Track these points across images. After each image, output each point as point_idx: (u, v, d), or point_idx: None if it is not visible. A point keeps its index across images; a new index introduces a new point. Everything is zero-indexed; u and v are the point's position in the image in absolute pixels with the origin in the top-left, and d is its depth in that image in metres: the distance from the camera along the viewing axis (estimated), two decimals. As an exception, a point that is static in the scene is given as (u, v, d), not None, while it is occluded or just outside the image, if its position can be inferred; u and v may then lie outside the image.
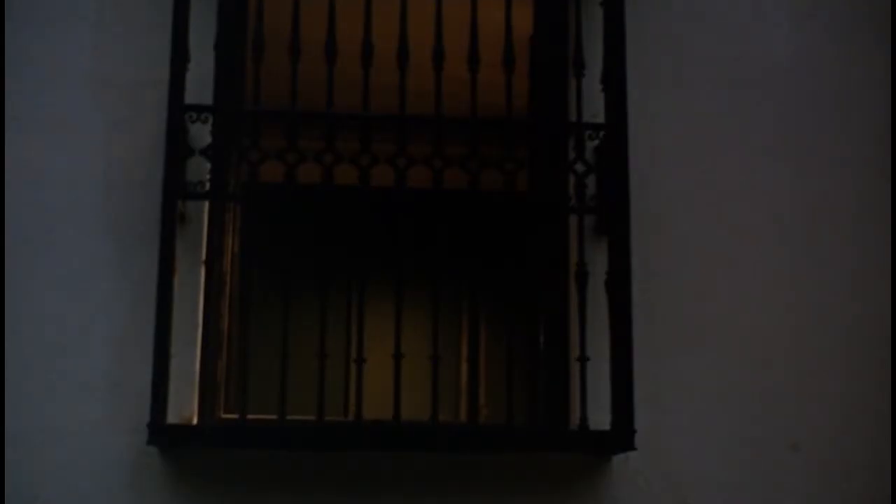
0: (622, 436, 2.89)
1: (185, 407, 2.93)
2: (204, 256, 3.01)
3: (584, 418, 2.92)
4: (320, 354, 2.87)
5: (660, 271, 3.14)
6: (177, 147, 2.90)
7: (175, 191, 2.90)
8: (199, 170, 2.96)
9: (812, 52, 3.39)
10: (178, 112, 2.90)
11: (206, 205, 3.02)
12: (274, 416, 2.84)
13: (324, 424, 2.91)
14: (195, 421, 2.94)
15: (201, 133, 2.95)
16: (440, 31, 3.03)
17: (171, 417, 2.84)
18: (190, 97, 2.93)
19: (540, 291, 3.21)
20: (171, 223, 2.87)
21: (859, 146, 3.34)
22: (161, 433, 2.80)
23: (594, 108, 3.09)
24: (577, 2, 3.15)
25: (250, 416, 2.85)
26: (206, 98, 3.04)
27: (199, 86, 3.01)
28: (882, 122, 3.35)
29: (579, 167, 3.03)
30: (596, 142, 3.08)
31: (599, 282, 2.98)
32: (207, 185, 2.94)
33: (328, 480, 2.96)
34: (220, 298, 3.06)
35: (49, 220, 3.03)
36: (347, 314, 2.95)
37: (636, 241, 3.00)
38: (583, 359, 2.93)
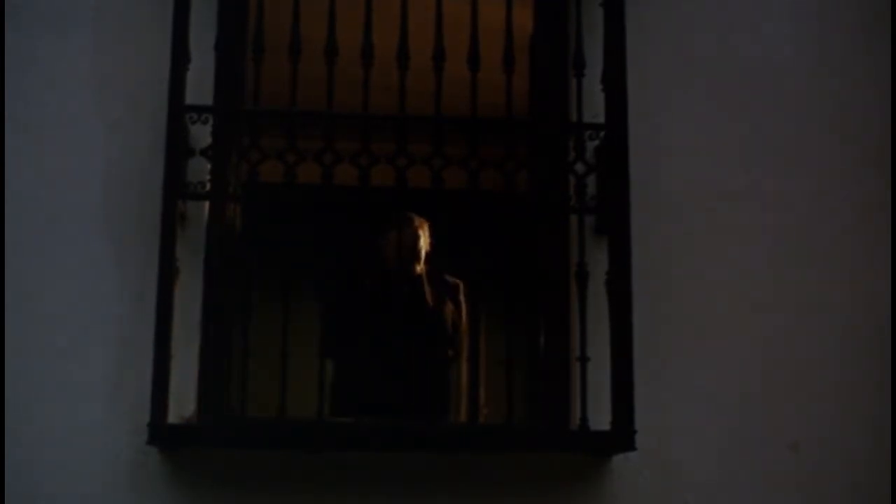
0: (622, 436, 2.89)
1: (185, 407, 2.93)
2: (204, 256, 3.01)
3: (584, 418, 2.92)
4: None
5: (660, 271, 3.14)
6: (177, 147, 2.90)
7: (175, 191, 2.90)
8: (199, 170, 2.96)
9: (812, 53, 3.39)
10: (178, 112, 2.91)
11: (206, 205, 3.02)
12: (274, 416, 2.84)
13: (324, 424, 2.91)
14: (195, 421, 2.94)
15: (201, 133, 2.95)
16: (440, 31, 3.03)
17: (171, 417, 2.84)
18: (190, 97, 2.93)
19: (540, 291, 3.21)
20: (171, 223, 2.87)
21: (859, 146, 3.34)
22: (161, 433, 2.80)
23: (594, 108, 3.09)
24: (577, 2, 3.15)
25: (250, 416, 2.85)
26: (206, 98, 3.04)
27: (199, 86, 3.01)
28: (882, 122, 3.35)
29: (579, 167, 3.03)
30: (596, 142, 3.08)
31: (599, 282, 2.98)
32: (207, 185, 2.95)
33: (328, 480, 2.96)
34: (220, 298, 3.05)
35: (49, 220, 3.03)
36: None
37: (636, 241, 3.00)
38: (583, 359, 2.93)
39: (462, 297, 4.07)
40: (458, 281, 4.10)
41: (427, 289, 4.07)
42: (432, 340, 4.02)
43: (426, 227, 4.13)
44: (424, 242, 4.13)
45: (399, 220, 3.69)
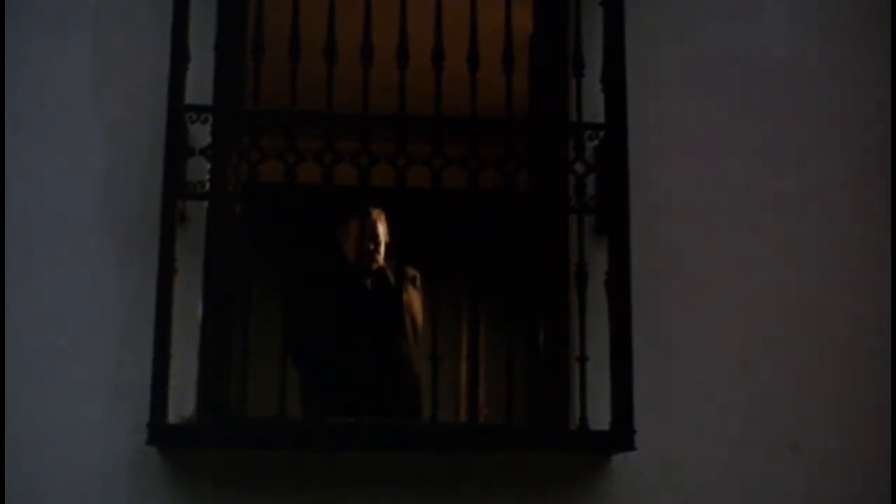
0: (622, 436, 2.89)
1: (185, 407, 2.93)
2: (204, 256, 3.01)
3: (583, 418, 2.92)
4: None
5: (660, 271, 3.14)
6: (177, 147, 2.90)
7: (175, 191, 2.90)
8: (199, 170, 2.96)
9: (812, 53, 3.39)
10: (178, 112, 2.91)
11: (206, 205, 3.02)
12: (274, 416, 2.84)
13: (324, 424, 2.91)
14: (195, 421, 2.94)
15: (201, 133, 2.95)
16: (440, 30, 3.03)
17: (171, 417, 2.84)
18: (190, 97, 2.93)
19: (540, 291, 3.21)
20: (171, 223, 2.87)
21: (859, 146, 3.34)
22: (161, 433, 2.80)
23: (594, 108, 3.09)
24: (577, 2, 3.15)
25: (250, 416, 2.85)
26: (206, 98, 3.04)
27: (199, 85, 3.01)
28: (882, 122, 3.35)
29: (579, 167, 3.03)
30: (596, 142, 3.08)
31: (599, 282, 2.98)
32: (207, 185, 2.95)
33: (328, 480, 2.96)
34: (221, 298, 3.05)
35: (49, 220, 3.03)
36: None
37: (636, 241, 3.00)
38: (583, 359, 2.93)
39: (419, 288, 3.96)
40: (415, 272, 4.00)
41: (398, 281, 3.93)
42: (403, 334, 3.90)
43: (383, 218, 4.01)
44: (383, 233, 4.02)
45: (356, 212, 3.51)
